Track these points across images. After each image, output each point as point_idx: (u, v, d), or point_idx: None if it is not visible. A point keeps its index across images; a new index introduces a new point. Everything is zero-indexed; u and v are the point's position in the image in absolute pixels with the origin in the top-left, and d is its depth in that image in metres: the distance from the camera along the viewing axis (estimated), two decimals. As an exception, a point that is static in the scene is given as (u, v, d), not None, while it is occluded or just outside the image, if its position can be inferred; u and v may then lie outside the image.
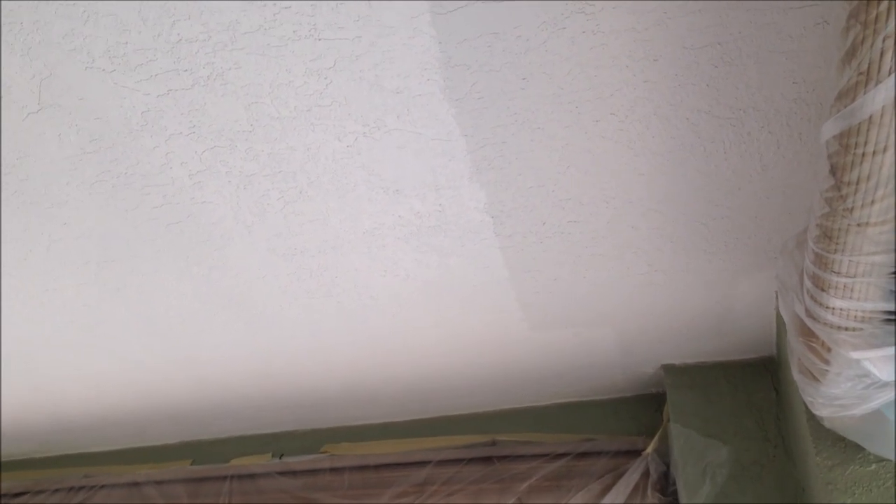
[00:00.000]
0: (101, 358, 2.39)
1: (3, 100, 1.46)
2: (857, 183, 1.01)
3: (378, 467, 2.56)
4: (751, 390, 2.24)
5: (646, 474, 2.26)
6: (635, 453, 2.35)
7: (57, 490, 2.83)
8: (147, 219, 1.76)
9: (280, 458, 2.72)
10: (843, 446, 1.79)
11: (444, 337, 2.19)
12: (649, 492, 2.22)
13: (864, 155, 0.96)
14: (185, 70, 1.38)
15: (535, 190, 1.64)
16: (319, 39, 1.32)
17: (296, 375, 2.44)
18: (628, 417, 2.53)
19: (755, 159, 1.53)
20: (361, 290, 1.98)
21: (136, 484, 2.76)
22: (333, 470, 2.59)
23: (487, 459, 2.47)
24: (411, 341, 2.21)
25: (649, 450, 2.31)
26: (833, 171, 1.03)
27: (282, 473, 2.64)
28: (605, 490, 2.25)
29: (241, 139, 1.52)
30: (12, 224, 1.79)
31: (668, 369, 2.34)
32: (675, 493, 2.21)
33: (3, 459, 3.10)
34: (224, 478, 2.67)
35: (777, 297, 1.96)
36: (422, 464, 2.51)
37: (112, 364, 2.42)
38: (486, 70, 1.36)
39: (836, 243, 1.13)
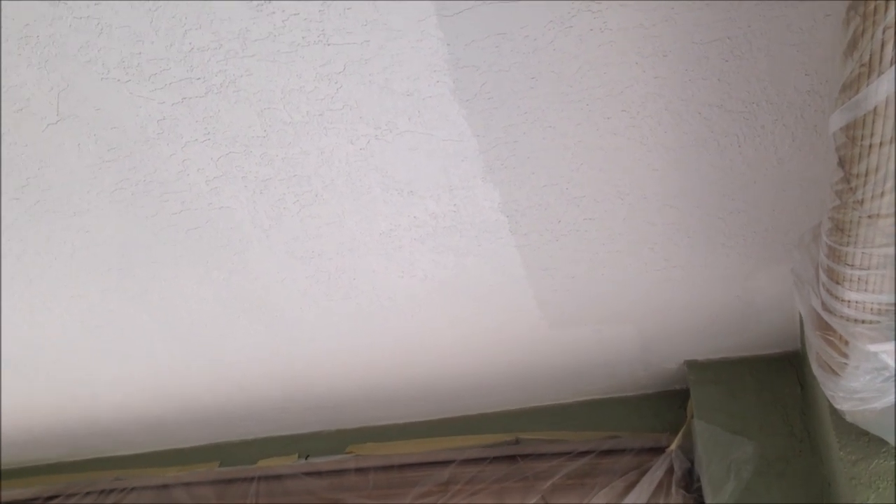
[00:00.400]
0: (128, 362, 2.43)
1: (23, 112, 1.49)
2: (866, 175, 1.00)
3: (402, 467, 2.57)
4: (775, 385, 2.22)
5: (670, 471, 2.25)
6: (659, 450, 2.34)
7: (88, 493, 2.87)
8: (166, 225, 1.78)
9: (306, 458, 2.75)
10: (866, 441, 1.78)
11: (462, 336, 2.19)
12: (674, 489, 2.21)
13: (870, 146, 0.95)
14: (199, 78, 1.40)
15: (548, 188, 1.64)
16: (328, 45, 1.33)
17: (318, 377, 2.45)
18: (652, 414, 2.51)
19: (770, 152, 1.52)
20: (379, 292, 1.99)
21: (165, 486, 2.80)
22: (358, 470, 2.61)
23: (511, 458, 2.47)
24: (430, 341, 2.22)
25: (673, 446, 2.30)
26: (841, 163, 1.03)
27: (308, 474, 2.66)
28: (629, 487, 2.25)
29: (255, 145, 1.54)
30: (36, 233, 1.83)
31: (691, 365, 2.33)
32: (699, 490, 2.20)
33: (35, 463, 3.16)
34: (251, 479, 2.70)
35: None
36: (445, 463, 2.52)
37: (138, 368, 2.46)
38: (495, 70, 1.37)
39: (849, 236, 1.13)
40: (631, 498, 2.20)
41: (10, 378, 2.52)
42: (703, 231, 1.76)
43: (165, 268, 1.94)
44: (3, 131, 1.54)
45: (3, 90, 1.44)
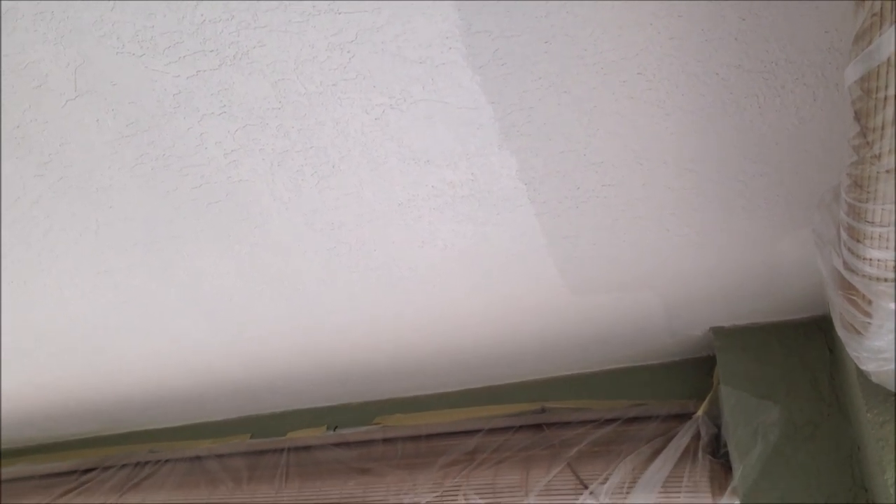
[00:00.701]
0: (155, 338, 2.47)
1: (41, 88, 1.51)
2: (882, 128, 0.98)
3: (429, 437, 2.59)
4: (804, 350, 2.20)
5: (696, 437, 2.25)
6: (686, 417, 2.33)
7: (124, 465, 2.94)
8: (187, 199, 1.80)
9: (334, 430, 2.78)
10: (893, 402, 1.76)
11: (484, 306, 2.19)
12: (700, 454, 2.20)
13: (885, 99, 0.93)
14: (212, 50, 1.40)
15: (566, 154, 1.63)
16: (339, 13, 1.33)
17: (342, 349, 2.48)
18: (679, 382, 2.50)
19: (791, 113, 1.50)
20: (400, 263, 2.00)
21: (198, 458, 2.85)
22: (386, 440, 2.63)
23: (536, 427, 2.48)
24: (452, 311, 2.23)
25: (700, 412, 2.29)
26: (857, 117, 1.01)
27: (337, 445, 2.69)
28: (656, 454, 2.24)
29: (271, 116, 1.55)
30: (60, 209, 1.86)
31: (718, 332, 2.31)
32: (726, 455, 2.19)
33: (72, 437, 3.23)
34: (281, 450, 2.74)
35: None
36: (472, 432, 2.53)
37: (168, 343, 2.50)
38: (508, 35, 1.35)
39: (867, 192, 1.11)
40: (657, 464, 2.20)
41: (42, 354, 2.57)
42: (724, 195, 1.73)
43: (188, 242, 1.96)
44: (23, 108, 1.56)
45: (21, 67, 1.46)
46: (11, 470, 3.10)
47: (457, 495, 2.35)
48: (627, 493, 2.19)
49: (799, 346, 2.20)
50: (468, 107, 1.51)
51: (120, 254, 2.01)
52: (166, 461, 2.89)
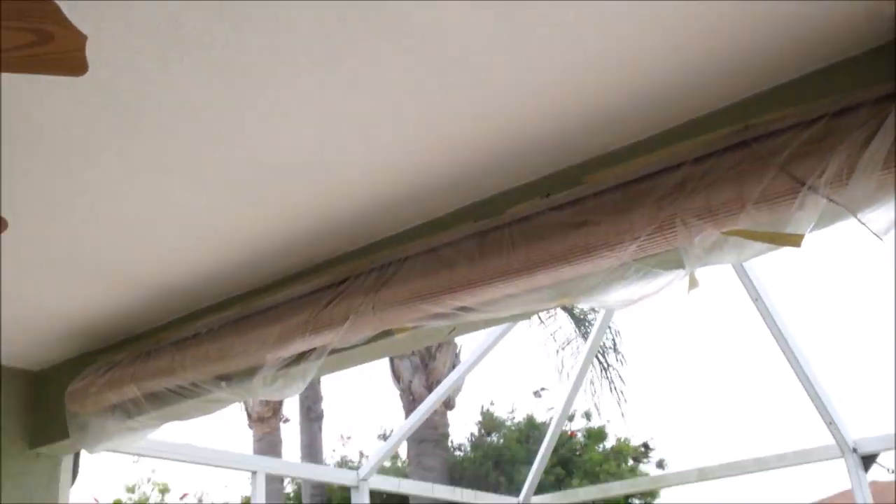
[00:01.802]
0: (372, 144, 2.70)
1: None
2: None
3: (637, 181, 2.64)
4: None
5: (913, 110, 2.14)
6: (898, 95, 2.22)
7: (372, 270, 3.25)
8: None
9: (547, 196, 2.91)
10: None
11: (662, 34, 2.18)
12: (919, 126, 2.10)
13: None
14: None
15: None
16: None
17: (534, 117, 2.59)
18: (885, 66, 2.35)
19: None
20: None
21: (433, 249, 3.10)
22: (596, 195, 2.73)
23: (742, 144, 2.46)
24: (629, 52, 2.24)
25: (914, 83, 2.17)
26: None
27: (552, 209, 2.82)
28: (871, 136, 2.16)
29: None
30: (248, 45, 2.06)
31: (921, -4, 2.15)
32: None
33: (324, 259, 3.62)
34: (504, 225, 2.91)
35: None
36: (677, 167, 2.56)
37: (381, 150, 2.73)
38: None
39: None
40: (875, 144, 2.13)
41: (277, 184, 2.90)
42: None
43: (361, 46, 2.13)
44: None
45: None
46: (284, 293, 3.56)
47: (674, 222, 2.43)
48: (847, 179, 2.16)
49: None
50: None
51: (310, 73, 2.22)
52: (406, 258, 3.18)
